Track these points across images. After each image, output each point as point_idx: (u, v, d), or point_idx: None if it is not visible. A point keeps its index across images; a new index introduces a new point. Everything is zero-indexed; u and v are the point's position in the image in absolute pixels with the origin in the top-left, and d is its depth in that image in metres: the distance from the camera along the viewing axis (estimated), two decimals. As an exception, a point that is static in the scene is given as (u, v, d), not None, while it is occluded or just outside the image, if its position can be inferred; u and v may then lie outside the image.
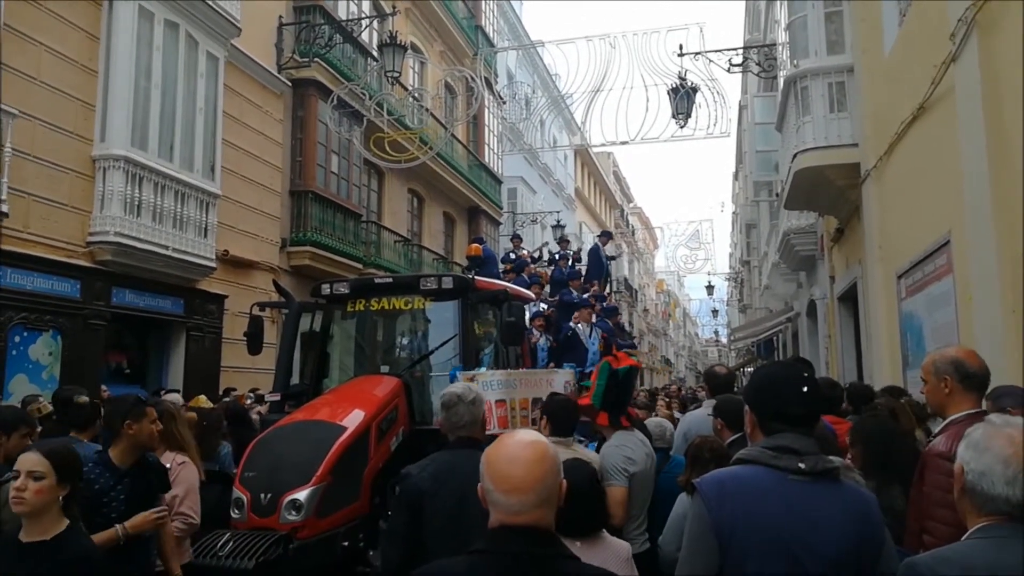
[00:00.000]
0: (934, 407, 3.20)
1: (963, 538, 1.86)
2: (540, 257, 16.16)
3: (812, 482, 1.96)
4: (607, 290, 14.31)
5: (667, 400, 10.92)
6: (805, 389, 2.06)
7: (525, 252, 15.14)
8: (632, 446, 4.12)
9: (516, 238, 15.89)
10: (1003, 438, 1.80)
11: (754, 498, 1.95)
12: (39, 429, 5.57)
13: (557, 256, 14.06)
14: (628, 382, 4.41)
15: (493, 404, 4.92)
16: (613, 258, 16.54)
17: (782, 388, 2.08)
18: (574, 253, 15.17)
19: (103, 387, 8.73)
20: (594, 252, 14.28)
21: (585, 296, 10.64)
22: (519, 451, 1.73)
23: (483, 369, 5.92)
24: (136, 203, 9.64)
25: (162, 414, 3.97)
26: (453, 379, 5.12)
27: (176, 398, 7.50)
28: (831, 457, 2.05)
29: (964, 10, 5.47)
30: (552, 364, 9.67)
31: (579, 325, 9.14)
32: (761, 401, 2.12)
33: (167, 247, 10.04)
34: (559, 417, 4.07)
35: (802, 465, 1.95)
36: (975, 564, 1.74)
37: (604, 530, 2.99)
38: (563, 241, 16.33)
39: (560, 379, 5.68)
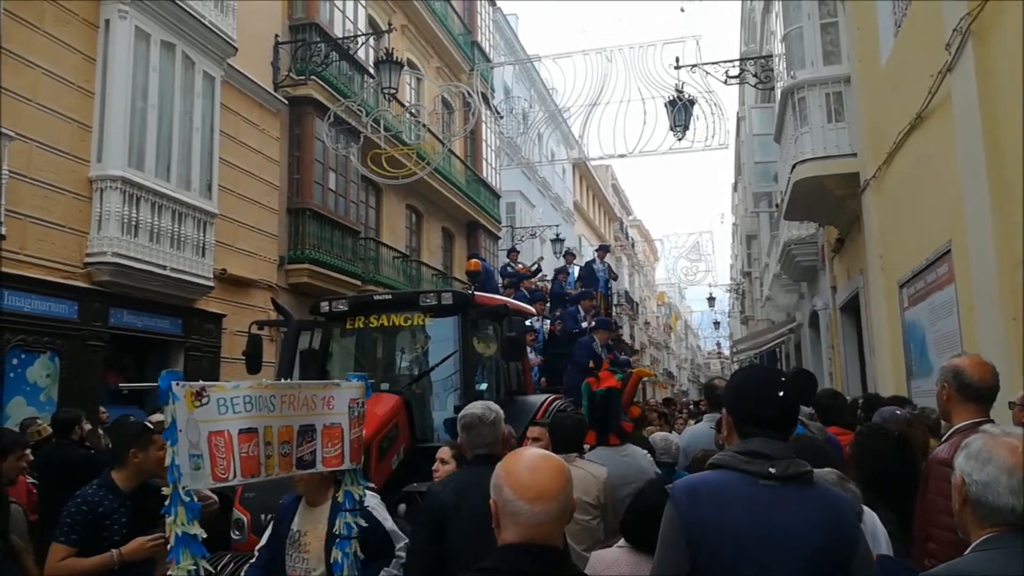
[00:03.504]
0: (941, 414, 3.22)
1: (968, 551, 1.84)
2: (539, 270, 16.12)
3: (782, 486, 1.96)
4: (607, 307, 14.25)
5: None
6: (781, 393, 2.07)
7: (522, 266, 15.11)
8: (610, 463, 4.11)
9: (513, 251, 15.86)
10: (1005, 448, 1.79)
11: (724, 503, 1.96)
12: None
13: (557, 270, 14.05)
14: (608, 403, 4.45)
15: (233, 436, 2.93)
16: (614, 276, 16.51)
17: (757, 392, 2.10)
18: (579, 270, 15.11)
19: (102, 409, 8.67)
20: (587, 266, 14.33)
21: (604, 317, 10.57)
22: (539, 461, 1.74)
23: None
24: (133, 223, 9.61)
25: None
26: (163, 395, 2.88)
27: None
28: (803, 460, 2.04)
29: (959, 20, 5.48)
30: (544, 380, 9.64)
31: (595, 344, 9.07)
32: (737, 404, 2.14)
33: (165, 267, 10.01)
34: (560, 434, 4.06)
35: (772, 469, 1.96)
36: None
37: None
38: (568, 255, 16.23)
39: (343, 396, 3.49)
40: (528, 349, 8.87)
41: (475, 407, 3.38)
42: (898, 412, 3.99)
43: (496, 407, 3.41)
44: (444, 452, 4.01)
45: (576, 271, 14.53)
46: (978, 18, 5.28)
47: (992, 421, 2.91)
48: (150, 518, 3.60)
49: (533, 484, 1.67)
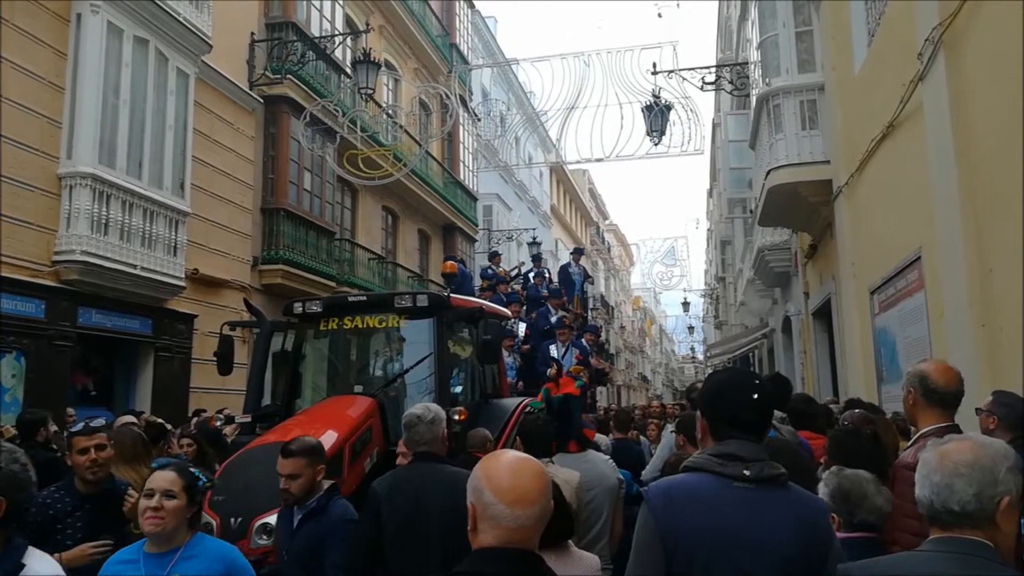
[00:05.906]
0: (908, 418, 3.25)
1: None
2: (518, 275, 16.07)
3: (757, 489, 1.96)
4: (582, 309, 14.28)
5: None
6: (756, 396, 2.07)
7: (503, 270, 15.06)
8: (570, 468, 4.11)
9: (495, 255, 15.82)
10: (936, 453, 1.80)
11: (699, 506, 1.96)
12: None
13: (532, 274, 14.05)
14: (566, 409, 4.46)
15: None
16: (590, 278, 16.56)
17: (733, 395, 2.10)
18: (548, 273, 15.13)
19: (69, 410, 8.52)
20: (563, 270, 14.37)
21: (560, 316, 10.63)
22: (520, 463, 1.67)
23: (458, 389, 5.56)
24: (103, 221, 9.46)
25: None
26: None
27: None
28: (776, 463, 2.04)
29: (931, 29, 5.55)
30: (521, 383, 9.62)
31: (553, 345, 9.09)
32: (712, 407, 2.14)
33: (135, 266, 9.86)
34: (534, 439, 4.03)
35: (747, 472, 1.96)
36: (900, 573, 1.74)
37: (571, 543, 2.98)
38: (536, 258, 16.29)
39: None
40: (506, 353, 8.85)
41: (416, 407, 3.56)
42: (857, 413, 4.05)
43: (436, 408, 3.56)
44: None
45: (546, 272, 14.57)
46: (949, 28, 5.35)
47: (957, 426, 2.94)
48: (112, 522, 3.53)
49: (515, 487, 1.60)
